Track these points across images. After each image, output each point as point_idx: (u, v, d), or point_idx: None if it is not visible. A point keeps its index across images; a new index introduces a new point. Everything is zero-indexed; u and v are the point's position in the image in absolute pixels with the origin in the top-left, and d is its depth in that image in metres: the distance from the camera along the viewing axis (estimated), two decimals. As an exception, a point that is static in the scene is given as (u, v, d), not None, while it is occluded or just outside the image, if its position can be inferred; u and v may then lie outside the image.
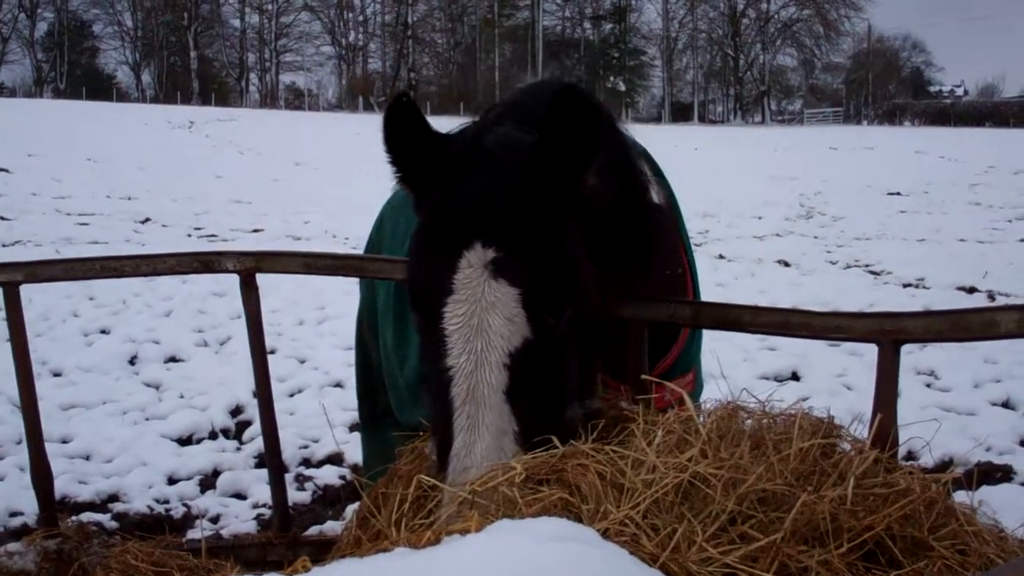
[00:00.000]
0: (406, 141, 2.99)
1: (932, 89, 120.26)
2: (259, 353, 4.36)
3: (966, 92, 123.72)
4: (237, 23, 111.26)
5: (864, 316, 3.08)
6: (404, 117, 2.96)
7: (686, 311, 3.49)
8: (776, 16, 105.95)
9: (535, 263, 2.79)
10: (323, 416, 8.43)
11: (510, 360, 2.74)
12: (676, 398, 3.20)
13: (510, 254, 2.77)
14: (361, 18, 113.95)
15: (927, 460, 7.47)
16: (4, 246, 17.62)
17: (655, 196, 3.72)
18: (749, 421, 2.88)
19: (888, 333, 2.97)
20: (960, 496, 2.80)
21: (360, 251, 5.29)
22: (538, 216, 2.84)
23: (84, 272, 4.24)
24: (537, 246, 2.81)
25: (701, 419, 2.87)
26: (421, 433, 3.34)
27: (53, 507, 4.53)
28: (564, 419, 2.89)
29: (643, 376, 3.21)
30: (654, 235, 3.47)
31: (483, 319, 2.75)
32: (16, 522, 6.69)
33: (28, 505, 6.74)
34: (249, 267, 4.25)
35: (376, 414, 4.98)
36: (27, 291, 4.28)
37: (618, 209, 3.21)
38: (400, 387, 4.31)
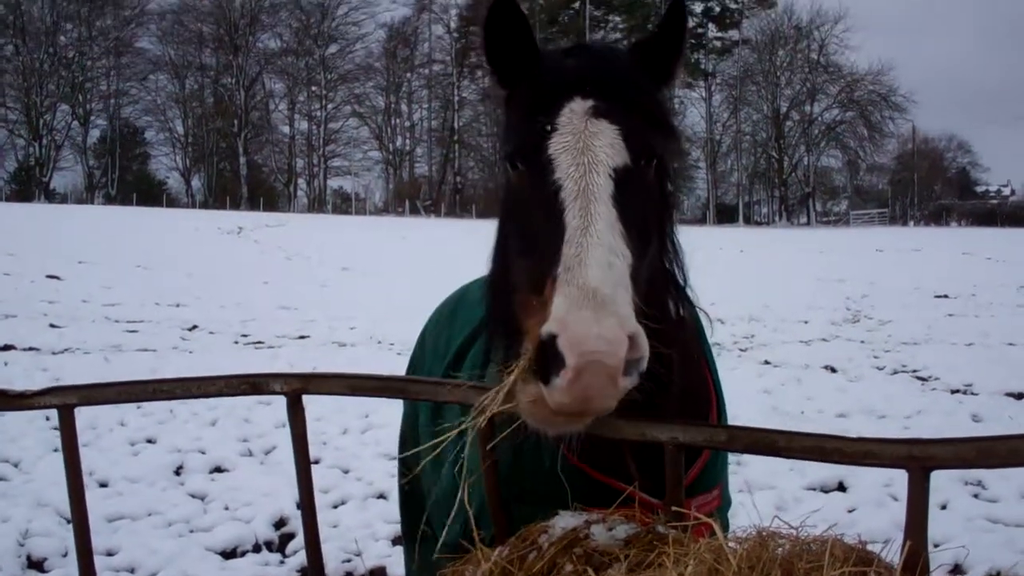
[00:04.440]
0: (505, 37, 3.12)
1: (978, 189, 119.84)
2: (305, 476, 4.44)
3: (1013, 192, 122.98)
4: (286, 129, 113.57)
5: (894, 442, 3.11)
6: (507, 14, 3.09)
7: (722, 435, 3.52)
8: (819, 118, 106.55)
9: (631, 108, 3.00)
10: (366, 529, 8.46)
11: (615, 175, 2.87)
12: (705, 514, 3.23)
13: (607, 103, 2.97)
14: (408, 124, 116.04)
15: (976, 573, 7.39)
16: (54, 354, 17.89)
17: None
18: (780, 550, 2.90)
19: (917, 460, 3.00)
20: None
21: (405, 356, 5.40)
22: (633, 79, 3.08)
23: (137, 395, 4.37)
24: (632, 99, 3.02)
25: (733, 546, 2.91)
26: (460, 555, 3.37)
27: (100, 626, 4.59)
28: (650, 263, 3.01)
29: (673, 507, 3.25)
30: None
31: (588, 143, 2.90)
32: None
33: (73, 619, 6.82)
34: (296, 389, 4.35)
35: (419, 530, 5.00)
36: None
37: None
38: (438, 505, 4.36)
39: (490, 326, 3.49)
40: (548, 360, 2.51)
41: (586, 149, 2.89)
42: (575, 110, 2.96)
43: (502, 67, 3.20)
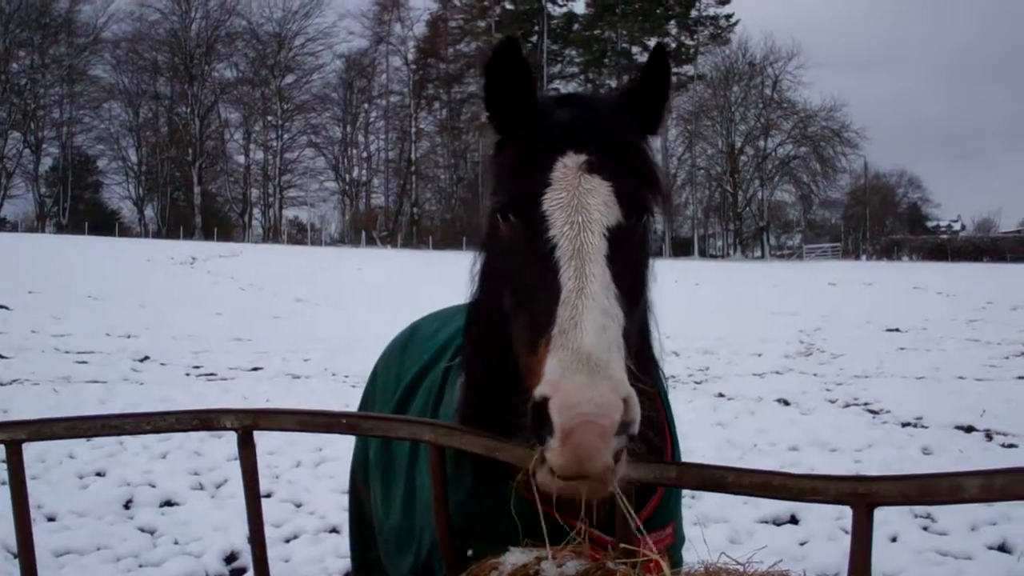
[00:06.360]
0: (506, 84, 3.14)
1: (929, 224, 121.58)
2: (255, 512, 4.42)
3: (963, 227, 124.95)
4: (242, 159, 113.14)
5: (839, 479, 3.15)
6: (510, 62, 3.11)
7: (672, 472, 3.55)
8: (773, 153, 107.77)
9: (623, 164, 3.03)
10: (319, 563, 8.39)
11: (608, 233, 2.89)
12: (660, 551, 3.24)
13: (600, 158, 3.00)
14: (365, 154, 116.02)
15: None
16: (1, 385, 17.63)
17: None
18: (727, 586, 2.93)
19: (861, 496, 3.04)
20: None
21: (360, 388, 5.40)
22: (624, 133, 3.12)
23: (86, 430, 4.32)
24: (624, 154, 3.05)
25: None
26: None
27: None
28: (638, 320, 3.06)
29: (621, 544, 3.26)
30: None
31: (582, 200, 2.91)
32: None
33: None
34: (247, 424, 4.33)
35: (369, 563, 4.99)
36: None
37: None
38: (388, 539, 4.35)
39: (467, 364, 3.48)
40: (541, 422, 2.51)
41: (580, 207, 2.90)
42: (568, 165, 2.97)
43: (500, 112, 3.21)
